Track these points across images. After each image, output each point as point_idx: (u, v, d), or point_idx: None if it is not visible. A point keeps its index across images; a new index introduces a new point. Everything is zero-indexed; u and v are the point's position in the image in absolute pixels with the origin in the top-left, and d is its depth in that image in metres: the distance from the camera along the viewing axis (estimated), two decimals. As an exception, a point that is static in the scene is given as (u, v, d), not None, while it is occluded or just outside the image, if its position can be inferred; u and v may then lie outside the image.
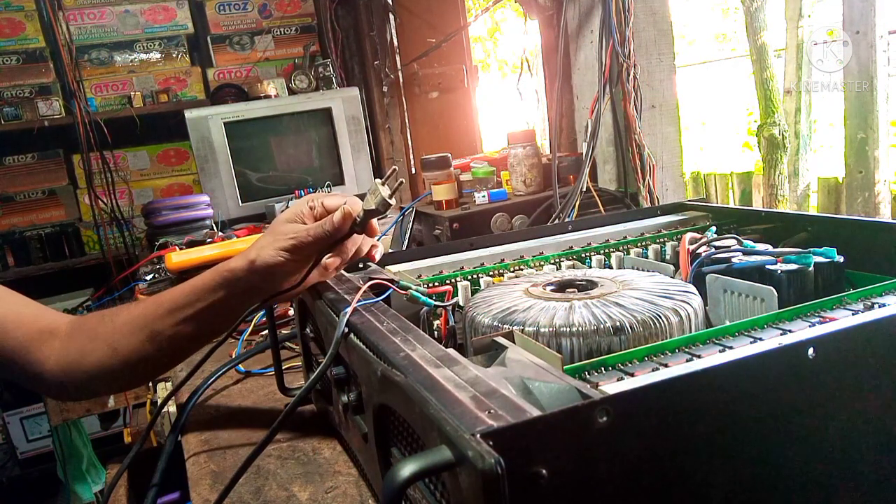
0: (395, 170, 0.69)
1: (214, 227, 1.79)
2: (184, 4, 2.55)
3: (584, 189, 1.43)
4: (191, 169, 2.59)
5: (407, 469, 0.31)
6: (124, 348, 0.69)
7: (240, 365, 0.92)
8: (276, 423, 0.53)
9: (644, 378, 0.43)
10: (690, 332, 0.54)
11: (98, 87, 2.50)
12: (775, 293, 0.56)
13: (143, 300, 0.76)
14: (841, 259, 0.60)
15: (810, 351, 0.39)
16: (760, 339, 0.48)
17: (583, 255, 0.80)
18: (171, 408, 1.04)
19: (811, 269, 0.59)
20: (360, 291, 0.58)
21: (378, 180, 0.64)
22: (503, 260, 0.78)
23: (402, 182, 0.67)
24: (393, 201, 0.64)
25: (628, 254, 0.80)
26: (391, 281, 0.65)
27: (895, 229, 0.64)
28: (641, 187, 1.46)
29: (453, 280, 0.73)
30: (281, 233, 0.66)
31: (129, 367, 0.69)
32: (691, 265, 0.67)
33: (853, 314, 0.50)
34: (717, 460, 0.37)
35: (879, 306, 0.50)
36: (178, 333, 0.68)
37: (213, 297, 0.67)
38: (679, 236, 0.78)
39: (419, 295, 0.64)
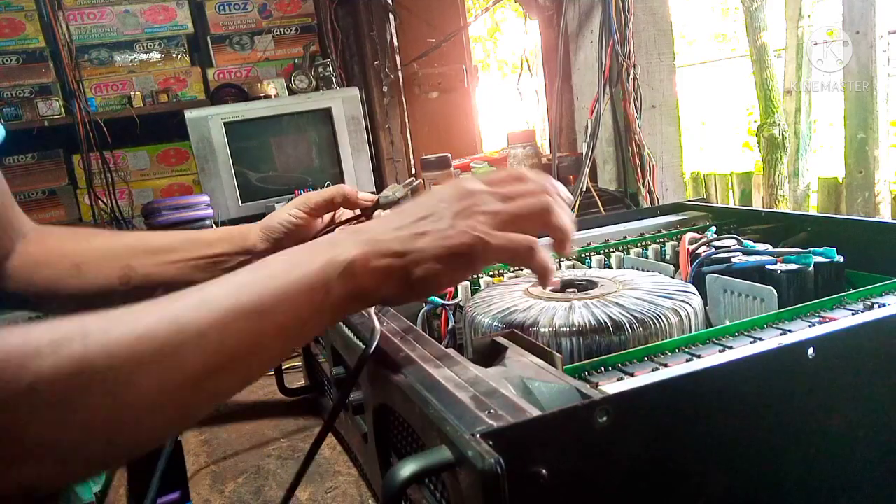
0: (413, 179, 0.73)
1: (214, 227, 1.79)
2: (184, 4, 2.54)
3: (584, 189, 1.43)
4: (191, 169, 2.59)
5: (407, 469, 0.31)
6: (90, 272, 0.63)
7: (240, 365, 0.92)
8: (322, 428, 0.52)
9: (644, 378, 0.43)
10: (690, 332, 0.54)
11: (98, 87, 2.50)
12: (775, 293, 0.56)
13: (127, 233, 0.72)
14: (841, 259, 0.60)
15: (810, 351, 0.39)
16: (760, 339, 0.48)
17: (583, 255, 0.80)
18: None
19: (811, 269, 0.59)
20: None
21: (395, 184, 0.71)
22: (503, 260, 0.78)
23: (419, 182, 0.72)
24: (405, 194, 0.71)
25: (628, 254, 0.80)
26: None
27: (895, 229, 0.64)
28: (641, 187, 1.46)
29: (453, 280, 0.73)
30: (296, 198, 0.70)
31: (89, 296, 0.63)
32: (691, 265, 0.67)
33: (853, 314, 0.50)
34: (717, 460, 0.37)
35: (879, 306, 0.50)
36: (154, 277, 0.63)
37: (206, 250, 0.66)
38: (679, 236, 0.78)
39: None
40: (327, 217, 0.72)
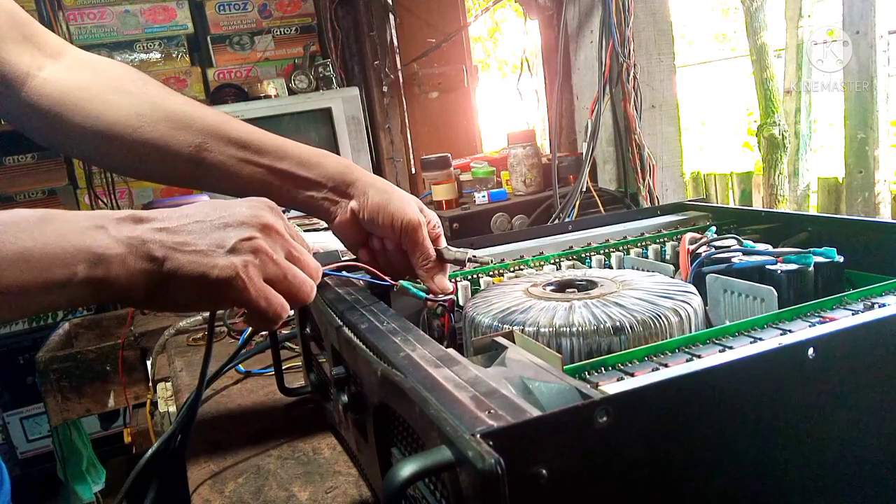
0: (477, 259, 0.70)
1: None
2: (184, 4, 2.55)
3: (584, 189, 1.43)
4: (191, 169, 2.59)
5: (407, 469, 0.31)
6: (156, 127, 0.56)
7: (240, 365, 0.92)
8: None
9: (644, 378, 0.43)
10: (690, 332, 0.54)
11: (98, 87, 2.50)
12: (775, 293, 0.56)
13: (213, 109, 0.63)
14: (841, 259, 0.60)
15: (810, 351, 0.39)
16: (760, 339, 0.48)
17: (583, 255, 0.80)
18: (171, 408, 1.04)
19: (811, 269, 0.59)
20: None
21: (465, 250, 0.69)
22: (503, 260, 0.78)
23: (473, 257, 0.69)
24: (466, 259, 0.68)
25: (628, 254, 0.80)
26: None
27: (895, 229, 0.64)
28: (641, 187, 1.46)
29: (454, 280, 0.73)
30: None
31: (142, 149, 0.56)
32: (691, 265, 0.67)
33: (853, 314, 0.50)
34: (717, 460, 0.37)
35: (879, 306, 0.50)
36: (226, 168, 0.58)
37: (299, 169, 0.61)
38: (679, 236, 0.78)
39: (409, 286, 0.65)
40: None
